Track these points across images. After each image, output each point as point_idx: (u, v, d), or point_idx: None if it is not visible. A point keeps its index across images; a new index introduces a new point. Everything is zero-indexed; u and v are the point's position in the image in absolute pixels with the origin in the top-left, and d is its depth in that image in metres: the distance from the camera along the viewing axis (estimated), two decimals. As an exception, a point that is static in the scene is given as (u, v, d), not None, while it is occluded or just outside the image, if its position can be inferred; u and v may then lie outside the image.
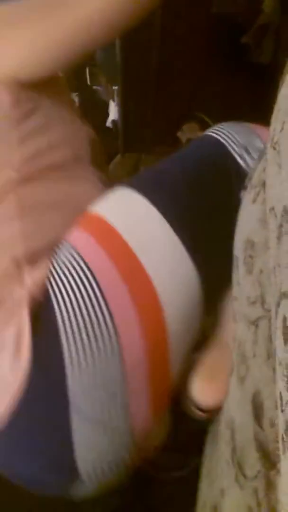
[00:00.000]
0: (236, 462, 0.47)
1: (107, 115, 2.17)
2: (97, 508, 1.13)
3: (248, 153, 0.76)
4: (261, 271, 0.45)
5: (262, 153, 0.53)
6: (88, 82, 2.37)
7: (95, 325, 0.64)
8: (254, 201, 0.47)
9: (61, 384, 0.63)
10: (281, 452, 0.38)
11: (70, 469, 0.67)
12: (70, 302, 0.65)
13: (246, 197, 0.56)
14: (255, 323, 0.45)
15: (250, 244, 0.48)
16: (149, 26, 1.29)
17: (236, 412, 0.49)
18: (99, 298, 0.65)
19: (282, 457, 0.38)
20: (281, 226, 0.38)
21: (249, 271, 0.48)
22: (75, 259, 0.68)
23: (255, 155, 0.75)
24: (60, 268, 0.68)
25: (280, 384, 0.38)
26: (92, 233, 0.71)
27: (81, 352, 0.64)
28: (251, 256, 0.48)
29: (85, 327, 0.64)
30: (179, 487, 0.87)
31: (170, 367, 0.69)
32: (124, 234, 0.70)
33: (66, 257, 0.69)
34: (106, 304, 0.65)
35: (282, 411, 0.37)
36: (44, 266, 0.69)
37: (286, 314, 0.37)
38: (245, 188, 0.61)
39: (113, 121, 2.09)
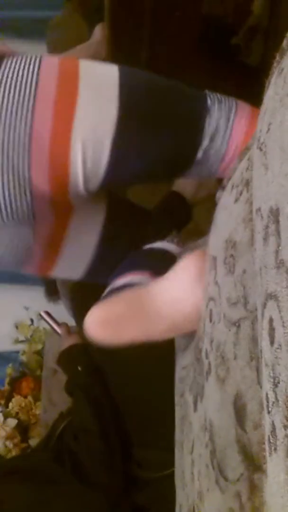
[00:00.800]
0: (216, 465, 0.46)
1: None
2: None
3: (220, 103, 0.92)
4: (244, 272, 0.45)
5: (243, 154, 0.53)
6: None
7: (22, 91, 0.81)
8: (236, 200, 0.47)
9: None
10: (267, 454, 0.38)
11: None
12: (14, 70, 0.82)
13: (226, 198, 0.56)
14: (236, 324, 0.45)
15: (231, 243, 0.48)
16: (139, 26, 1.29)
17: (215, 414, 0.49)
18: (34, 76, 0.82)
19: (268, 458, 0.38)
20: (267, 227, 0.38)
21: (230, 271, 0.48)
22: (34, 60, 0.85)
23: (224, 108, 0.92)
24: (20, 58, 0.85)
25: (267, 386, 0.38)
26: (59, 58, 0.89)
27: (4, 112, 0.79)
28: (232, 256, 0.48)
29: (15, 88, 0.81)
30: (166, 486, 0.87)
31: (69, 162, 0.83)
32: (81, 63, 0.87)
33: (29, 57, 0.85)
34: (36, 82, 0.81)
35: (268, 412, 0.37)
36: None
37: (272, 315, 0.37)
38: (223, 188, 0.62)
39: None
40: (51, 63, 0.86)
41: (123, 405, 1.25)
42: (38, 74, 0.83)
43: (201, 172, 0.95)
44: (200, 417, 0.59)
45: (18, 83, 0.82)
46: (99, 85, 0.86)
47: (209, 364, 0.53)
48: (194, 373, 0.66)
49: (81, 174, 0.86)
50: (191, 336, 0.75)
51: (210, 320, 0.56)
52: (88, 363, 1.34)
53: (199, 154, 0.91)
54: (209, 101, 0.92)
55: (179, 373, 0.82)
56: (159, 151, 0.91)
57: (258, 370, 0.41)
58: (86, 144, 0.84)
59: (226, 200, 0.55)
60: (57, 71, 0.85)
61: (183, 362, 0.79)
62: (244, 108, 0.94)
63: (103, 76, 0.88)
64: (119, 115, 0.84)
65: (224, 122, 0.91)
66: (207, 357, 0.56)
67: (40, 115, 0.81)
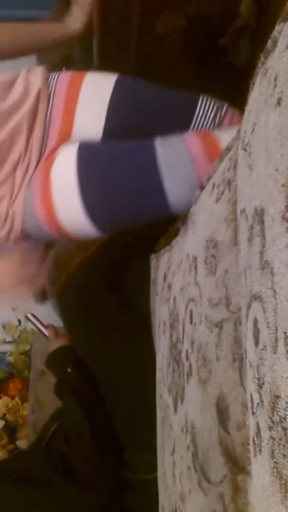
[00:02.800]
0: (198, 467, 0.46)
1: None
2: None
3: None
4: (226, 272, 0.45)
5: (224, 154, 0.53)
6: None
7: None
8: (217, 200, 0.47)
9: None
10: (252, 455, 0.38)
11: None
12: None
13: (206, 198, 0.56)
14: (218, 325, 0.45)
15: (213, 243, 0.48)
16: (127, 25, 1.28)
17: (197, 416, 0.49)
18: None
19: (253, 460, 0.38)
20: (251, 227, 0.38)
21: (212, 272, 0.48)
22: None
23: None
24: None
25: (251, 387, 0.37)
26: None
27: None
28: (214, 256, 0.48)
29: None
30: (155, 488, 0.87)
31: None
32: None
33: None
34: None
35: (253, 413, 0.37)
36: None
37: (257, 316, 0.37)
38: (201, 188, 0.61)
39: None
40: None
41: (112, 406, 1.25)
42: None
43: None
44: (180, 419, 0.58)
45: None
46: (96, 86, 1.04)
47: (190, 366, 0.52)
48: (173, 375, 0.65)
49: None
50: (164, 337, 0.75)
51: (191, 322, 0.55)
52: (77, 365, 1.33)
53: None
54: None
55: (157, 374, 0.82)
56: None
57: (241, 371, 0.40)
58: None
59: (206, 200, 0.55)
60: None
61: (158, 364, 0.79)
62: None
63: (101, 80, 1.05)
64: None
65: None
66: (187, 359, 0.56)
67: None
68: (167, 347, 0.71)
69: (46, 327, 1.52)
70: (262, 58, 0.39)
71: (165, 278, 0.81)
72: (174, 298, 0.68)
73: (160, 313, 0.82)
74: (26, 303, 1.99)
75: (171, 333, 0.68)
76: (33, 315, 1.56)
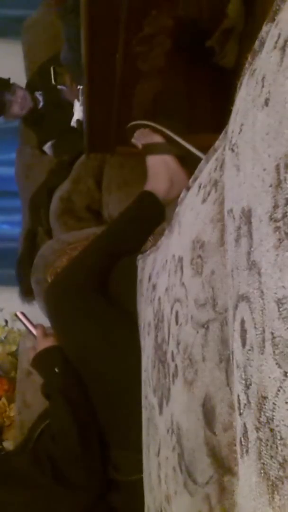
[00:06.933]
0: (184, 468, 0.46)
1: (72, 114, 2.16)
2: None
3: None
4: (212, 272, 0.44)
5: (210, 154, 0.53)
6: (53, 82, 2.35)
7: None
8: (204, 201, 0.47)
9: None
10: (238, 456, 0.38)
11: None
12: None
13: (192, 198, 0.55)
14: (204, 326, 0.45)
15: (199, 244, 0.48)
16: (114, 26, 1.28)
17: (183, 417, 0.49)
18: None
19: (240, 460, 0.38)
20: (239, 228, 0.38)
21: (198, 272, 0.48)
22: None
23: None
24: None
25: (238, 387, 0.37)
26: None
27: None
28: (200, 257, 0.47)
29: None
30: (142, 489, 0.87)
31: None
32: None
33: None
34: None
35: (240, 414, 0.37)
36: None
37: (244, 316, 0.37)
38: (187, 188, 0.61)
39: (78, 121, 2.09)
40: None
41: (99, 406, 1.25)
42: None
43: None
44: (166, 420, 0.58)
45: None
46: None
47: (176, 366, 0.52)
48: (158, 376, 0.65)
49: None
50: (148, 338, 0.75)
51: (177, 323, 0.55)
52: (65, 365, 1.32)
53: None
54: None
55: (142, 375, 0.82)
56: None
57: (227, 372, 0.40)
58: None
59: (192, 201, 0.54)
60: None
61: (143, 365, 0.78)
62: None
63: None
64: None
65: None
66: (173, 360, 0.55)
67: None
68: (152, 348, 0.71)
69: (35, 326, 1.51)
70: (249, 59, 0.39)
71: (149, 279, 0.81)
72: (159, 299, 0.68)
73: (145, 314, 0.82)
74: (13, 303, 1.98)
75: (156, 334, 0.68)
76: (23, 314, 1.55)
